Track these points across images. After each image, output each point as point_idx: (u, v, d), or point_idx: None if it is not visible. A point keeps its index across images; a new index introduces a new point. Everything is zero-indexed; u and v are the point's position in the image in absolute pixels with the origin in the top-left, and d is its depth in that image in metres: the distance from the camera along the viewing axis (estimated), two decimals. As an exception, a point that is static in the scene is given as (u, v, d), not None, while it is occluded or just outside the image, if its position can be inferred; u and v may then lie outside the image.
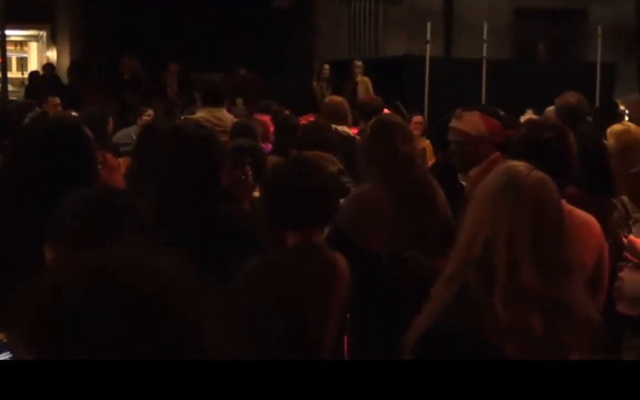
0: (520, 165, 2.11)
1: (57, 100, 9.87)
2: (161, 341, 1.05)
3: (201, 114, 6.51)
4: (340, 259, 2.72)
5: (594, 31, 14.23)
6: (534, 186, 2.04)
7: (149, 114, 8.27)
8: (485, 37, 12.96)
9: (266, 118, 7.52)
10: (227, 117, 6.62)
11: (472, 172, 3.66)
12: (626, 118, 7.81)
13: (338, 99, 6.93)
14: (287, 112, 7.18)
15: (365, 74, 12.56)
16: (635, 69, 14.40)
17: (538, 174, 2.08)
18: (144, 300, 1.05)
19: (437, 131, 4.74)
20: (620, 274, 2.66)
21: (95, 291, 1.05)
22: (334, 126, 5.59)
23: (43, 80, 13.32)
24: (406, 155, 3.70)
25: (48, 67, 14.69)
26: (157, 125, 5.76)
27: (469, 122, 3.70)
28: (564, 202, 2.94)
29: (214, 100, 6.62)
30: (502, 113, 3.87)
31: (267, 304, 2.61)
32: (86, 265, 1.09)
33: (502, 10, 15.38)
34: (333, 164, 4.72)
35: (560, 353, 1.94)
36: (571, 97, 5.84)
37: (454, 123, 3.77)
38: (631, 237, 3.40)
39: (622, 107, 8.50)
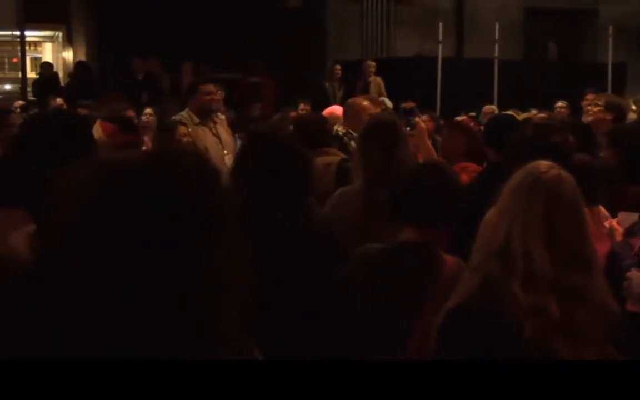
0: (541, 163, 2.23)
1: (60, 100, 9.96)
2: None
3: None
4: (452, 262, 2.74)
5: (604, 30, 14.26)
6: (548, 182, 2.17)
7: (145, 114, 8.16)
8: (496, 36, 13.02)
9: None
10: None
11: None
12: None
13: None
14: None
15: (377, 74, 12.63)
16: (646, 68, 14.43)
17: (556, 171, 2.20)
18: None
19: (491, 132, 4.46)
20: (629, 273, 2.76)
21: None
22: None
23: (43, 81, 13.04)
24: None
25: (46, 66, 14.06)
26: None
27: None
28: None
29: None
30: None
31: (364, 289, 2.75)
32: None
33: (512, 9, 15.42)
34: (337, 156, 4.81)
35: (578, 340, 2.05)
36: None
37: None
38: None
39: (634, 107, 8.58)
